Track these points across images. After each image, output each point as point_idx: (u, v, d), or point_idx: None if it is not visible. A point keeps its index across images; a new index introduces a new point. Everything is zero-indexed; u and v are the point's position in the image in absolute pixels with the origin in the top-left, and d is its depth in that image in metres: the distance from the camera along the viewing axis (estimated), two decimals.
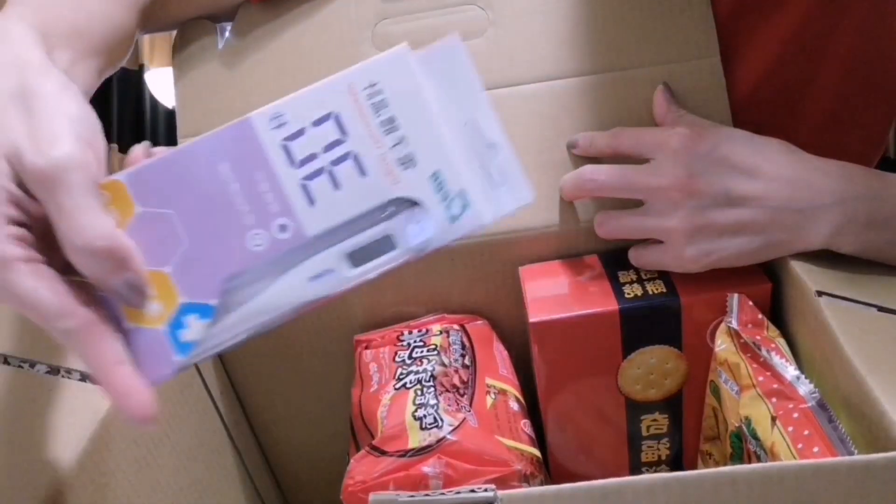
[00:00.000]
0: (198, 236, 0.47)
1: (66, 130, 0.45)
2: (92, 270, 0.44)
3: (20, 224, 0.45)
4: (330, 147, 0.48)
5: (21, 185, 0.45)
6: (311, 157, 0.47)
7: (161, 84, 1.60)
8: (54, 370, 0.60)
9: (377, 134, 0.48)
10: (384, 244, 0.47)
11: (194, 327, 0.46)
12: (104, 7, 0.63)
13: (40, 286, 0.43)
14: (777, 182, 0.63)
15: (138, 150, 0.50)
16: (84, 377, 0.60)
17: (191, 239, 0.47)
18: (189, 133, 0.78)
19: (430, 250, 0.48)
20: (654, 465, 0.73)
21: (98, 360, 0.44)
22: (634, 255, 0.69)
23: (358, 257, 0.47)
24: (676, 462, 0.73)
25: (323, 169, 0.47)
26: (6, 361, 0.60)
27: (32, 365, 0.60)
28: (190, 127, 0.78)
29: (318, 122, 0.48)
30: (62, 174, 0.43)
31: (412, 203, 0.48)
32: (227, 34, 0.80)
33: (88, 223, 0.44)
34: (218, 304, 0.46)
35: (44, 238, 0.46)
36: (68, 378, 0.60)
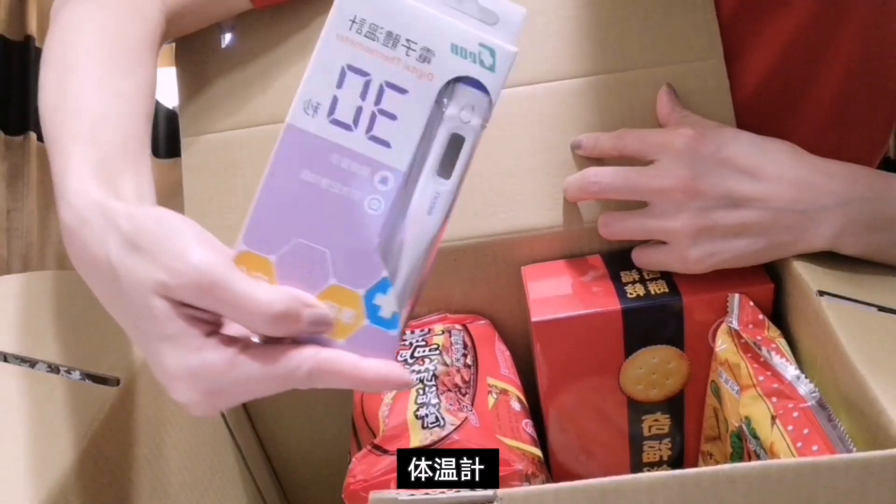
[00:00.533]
0: (331, 240, 0.49)
1: (182, 242, 0.48)
2: (283, 331, 0.47)
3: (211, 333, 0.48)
4: (364, 93, 0.49)
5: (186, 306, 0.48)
6: (359, 111, 0.49)
7: (161, 84, 1.60)
8: (54, 368, 0.60)
9: (388, 53, 0.49)
10: (455, 142, 0.49)
11: (385, 303, 0.48)
12: (140, 103, 0.65)
13: (264, 359, 0.47)
14: (780, 183, 0.63)
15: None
16: (84, 376, 0.60)
17: (328, 246, 0.49)
18: (193, 133, 0.78)
19: (491, 110, 0.49)
20: (656, 466, 0.73)
21: (346, 374, 0.47)
22: (638, 256, 0.70)
23: (444, 168, 0.49)
24: (678, 462, 0.73)
25: (374, 113, 0.49)
26: (6, 360, 0.60)
27: (33, 364, 0.60)
28: (193, 127, 0.78)
29: (340, 83, 0.49)
30: (207, 277, 0.46)
31: (454, 86, 0.49)
32: (228, 35, 0.80)
33: (255, 301, 0.46)
34: (386, 274, 0.48)
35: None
36: (68, 377, 0.60)
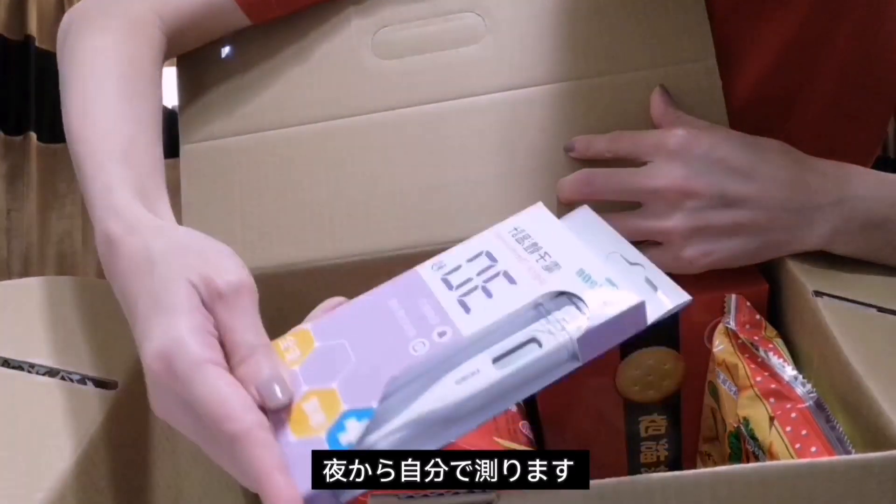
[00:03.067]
0: (365, 354, 0.50)
1: (235, 258, 0.54)
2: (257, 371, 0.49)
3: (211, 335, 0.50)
4: (483, 272, 0.53)
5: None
6: (467, 281, 0.53)
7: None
8: (53, 372, 0.60)
9: (523, 254, 0.53)
10: (529, 345, 0.48)
11: (353, 429, 0.46)
12: (158, 127, 0.70)
13: (219, 386, 0.46)
14: (774, 183, 0.63)
15: (333, 301, 0.57)
16: (84, 380, 0.60)
17: (358, 357, 0.50)
18: (192, 140, 0.78)
19: (581, 338, 0.48)
20: (654, 466, 0.73)
21: (257, 465, 0.45)
22: None
23: (502, 358, 0.48)
24: (676, 463, 0.73)
25: (477, 286, 0.52)
26: (6, 363, 0.60)
27: (32, 367, 0.60)
28: (192, 134, 0.79)
29: (471, 259, 0.55)
30: (241, 292, 0.51)
31: (560, 299, 0.50)
32: (227, 48, 0.81)
33: (254, 327, 0.50)
34: (378, 406, 0.47)
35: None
36: (68, 381, 0.60)
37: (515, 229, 0.55)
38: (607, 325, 0.48)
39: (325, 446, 0.46)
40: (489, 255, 0.54)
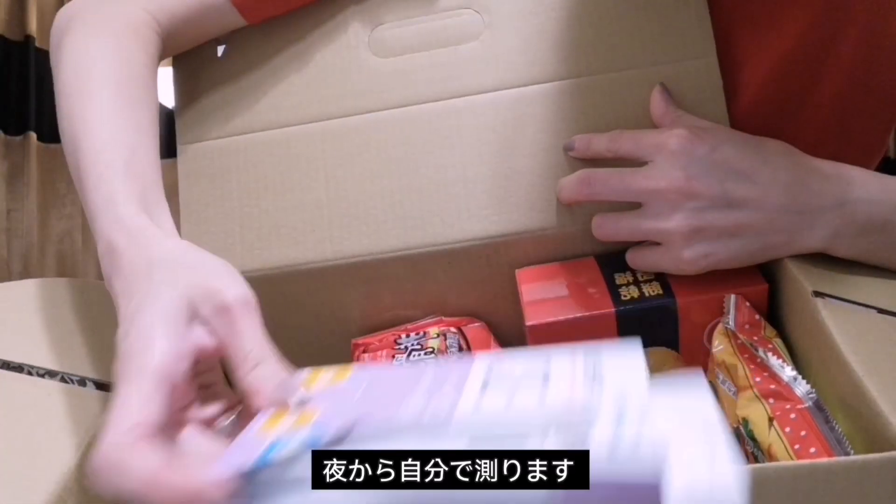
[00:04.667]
0: (368, 397, 0.49)
1: (234, 279, 0.53)
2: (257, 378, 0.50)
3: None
4: (528, 376, 0.48)
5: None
6: (507, 381, 0.48)
7: (160, 84, 1.60)
8: (54, 374, 0.60)
9: (579, 373, 0.47)
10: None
11: (292, 447, 0.44)
12: (156, 133, 0.69)
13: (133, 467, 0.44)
14: (775, 184, 0.63)
15: None
16: (83, 381, 0.60)
17: (360, 397, 0.49)
18: (189, 140, 0.78)
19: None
20: None
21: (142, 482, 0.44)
22: (632, 258, 0.69)
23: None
24: None
25: (514, 384, 0.47)
26: (6, 365, 0.60)
27: (32, 370, 0.60)
28: (189, 135, 0.79)
29: (519, 362, 0.49)
30: (246, 306, 0.51)
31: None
32: (223, 47, 0.81)
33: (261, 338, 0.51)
34: (325, 441, 0.44)
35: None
36: (68, 382, 0.60)
37: (582, 355, 0.49)
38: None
39: (261, 448, 0.45)
40: (546, 359, 0.49)
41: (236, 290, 0.52)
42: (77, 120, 0.66)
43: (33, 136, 1.75)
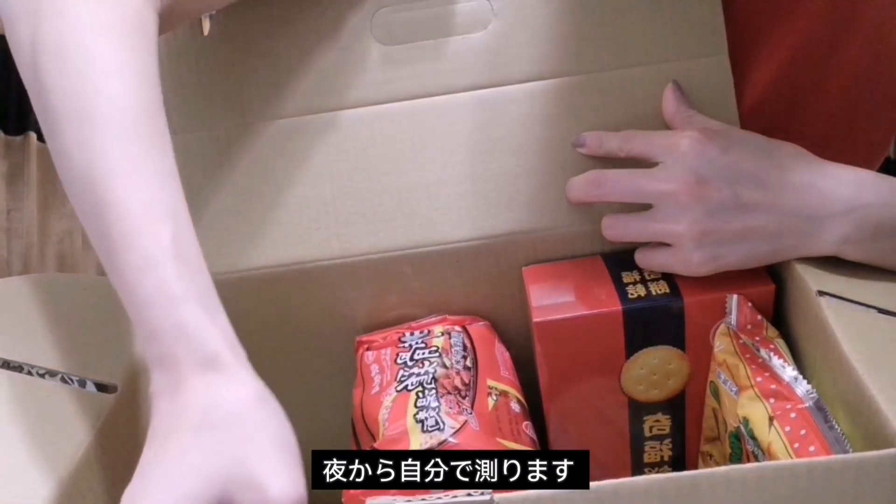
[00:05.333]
0: None
1: (288, 465, 0.47)
2: None
3: None
4: None
5: None
6: None
7: None
8: (52, 374, 0.60)
9: None
10: None
11: None
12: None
13: None
14: (786, 188, 0.63)
15: None
16: (83, 382, 0.60)
17: None
18: (189, 130, 0.75)
19: None
20: (657, 466, 0.73)
21: None
22: (641, 258, 0.69)
23: None
24: (679, 463, 0.73)
25: None
26: (6, 365, 0.60)
27: (30, 370, 0.60)
28: (189, 124, 0.75)
29: None
30: None
31: None
32: (211, 21, 0.77)
33: None
34: None
35: None
36: (69, 383, 0.60)
37: None
38: None
39: None
40: None
41: (285, 489, 0.45)
42: (93, 155, 0.52)
43: (33, 136, 1.76)
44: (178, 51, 0.76)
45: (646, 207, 0.67)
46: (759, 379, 0.57)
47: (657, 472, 0.72)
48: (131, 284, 0.50)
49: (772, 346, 0.60)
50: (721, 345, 0.63)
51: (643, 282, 0.68)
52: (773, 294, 0.66)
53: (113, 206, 0.50)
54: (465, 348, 0.71)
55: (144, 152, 0.53)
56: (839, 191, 0.63)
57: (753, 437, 0.56)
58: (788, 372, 0.57)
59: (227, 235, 0.74)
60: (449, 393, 0.65)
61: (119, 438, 0.60)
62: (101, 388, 0.61)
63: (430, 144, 0.74)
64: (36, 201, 1.80)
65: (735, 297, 0.64)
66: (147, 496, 0.45)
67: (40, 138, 1.77)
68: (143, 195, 0.51)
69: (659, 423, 0.70)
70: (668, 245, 0.66)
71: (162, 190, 0.52)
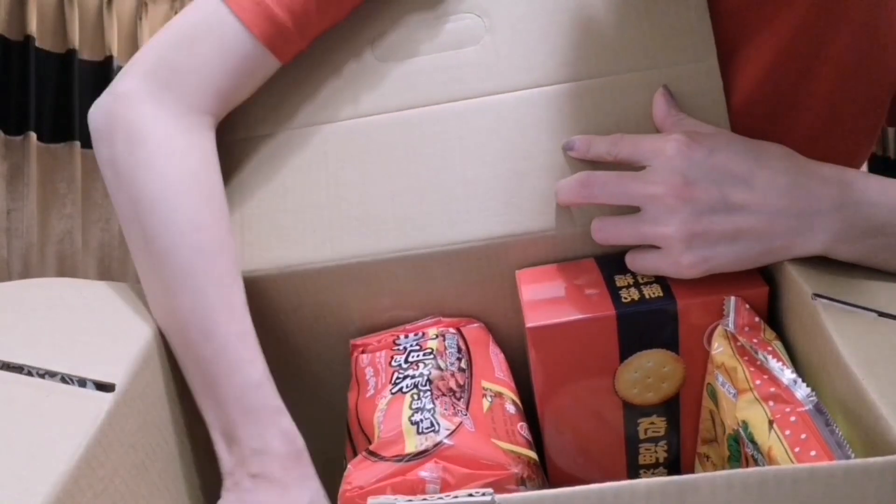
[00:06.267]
0: None
1: None
2: None
3: None
4: None
5: None
6: None
7: None
8: (51, 375, 0.60)
9: None
10: None
11: None
12: None
13: None
14: (774, 189, 0.63)
15: None
16: (83, 382, 0.60)
17: None
18: None
19: None
20: (652, 468, 0.73)
21: None
22: (631, 261, 0.69)
23: None
24: (674, 464, 0.73)
25: None
26: (6, 366, 0.60)
27: (29, 370, 0.60)
28: None
29: None
30: None
31: None
32: None
33: None
34: None
35: None
36: (69, 383, 0.60)
37: None
38: None
39: None
40: None
41: None
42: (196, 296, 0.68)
43: (33, 136, 1.75)
44: None
45: (636, 210, 0.67)
46: (757, 382, 0.57)
47: (652, 473, 0.72)
48: (236, 397, 0.68)
49: (769, 349, 0.60)
50: (719, 347, 0.63)
51: (636, 285, 0.68)
52: (766, 296, 0.66)
53: (215, 336, 0.68)
54: (459, 350, 0.71)
55: (234, 291, 0.71)
56: (826, 189, 0.63)
57: (753, 441, 0.56)
58: (787, 374, 0.57)
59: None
60: (444, 395, 0.65)
61: (119, 438, 0.59)
62: (101, 388, 0.60)
63: (423, 151, 0.74)
64: (36, 201, 1.79)
65: (733, 298, 0.64)
66: None
67: (40, 138, 1.76)
68: (237, 327, 0.69)
69: (654, 425, 0.70)
70: (657, 248, 0.66)
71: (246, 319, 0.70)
